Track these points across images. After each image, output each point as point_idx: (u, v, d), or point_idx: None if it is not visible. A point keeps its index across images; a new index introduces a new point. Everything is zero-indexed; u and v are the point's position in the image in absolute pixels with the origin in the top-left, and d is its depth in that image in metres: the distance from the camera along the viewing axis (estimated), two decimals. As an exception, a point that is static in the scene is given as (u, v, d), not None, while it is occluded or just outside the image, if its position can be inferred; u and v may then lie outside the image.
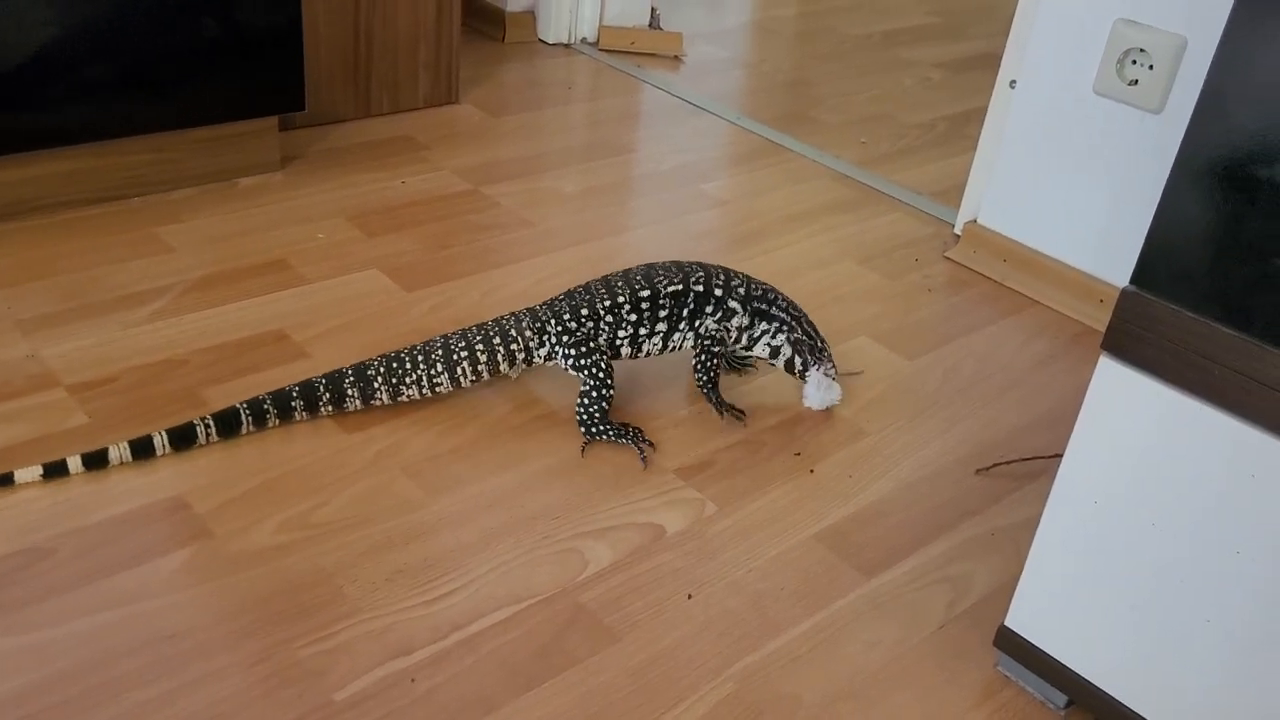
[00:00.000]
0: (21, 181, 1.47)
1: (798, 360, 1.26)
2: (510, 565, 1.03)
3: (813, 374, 1.26)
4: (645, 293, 1.20)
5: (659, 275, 1.22)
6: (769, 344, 1.26)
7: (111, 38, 1.44)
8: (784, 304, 1.26)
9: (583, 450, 1.18)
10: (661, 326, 1.22)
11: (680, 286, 1.21)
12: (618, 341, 1.21)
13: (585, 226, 1.66)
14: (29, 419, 1.13)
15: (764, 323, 1.25)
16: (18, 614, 0.92)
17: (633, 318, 1.20)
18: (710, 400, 1.25)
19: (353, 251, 1.51)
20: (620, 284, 1.21)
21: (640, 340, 1.22)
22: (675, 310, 1.22)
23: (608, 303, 1.20)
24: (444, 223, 1.61)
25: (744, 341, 1.27)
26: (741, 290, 1.24)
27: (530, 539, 1.06)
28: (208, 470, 1.09)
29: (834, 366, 1.26)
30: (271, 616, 0.95)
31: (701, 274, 1.23)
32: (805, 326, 1.26)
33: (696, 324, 1.23)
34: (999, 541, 1.14)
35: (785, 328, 1.25)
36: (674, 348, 1.25)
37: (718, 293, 1.23)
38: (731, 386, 1.33)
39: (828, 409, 1.28)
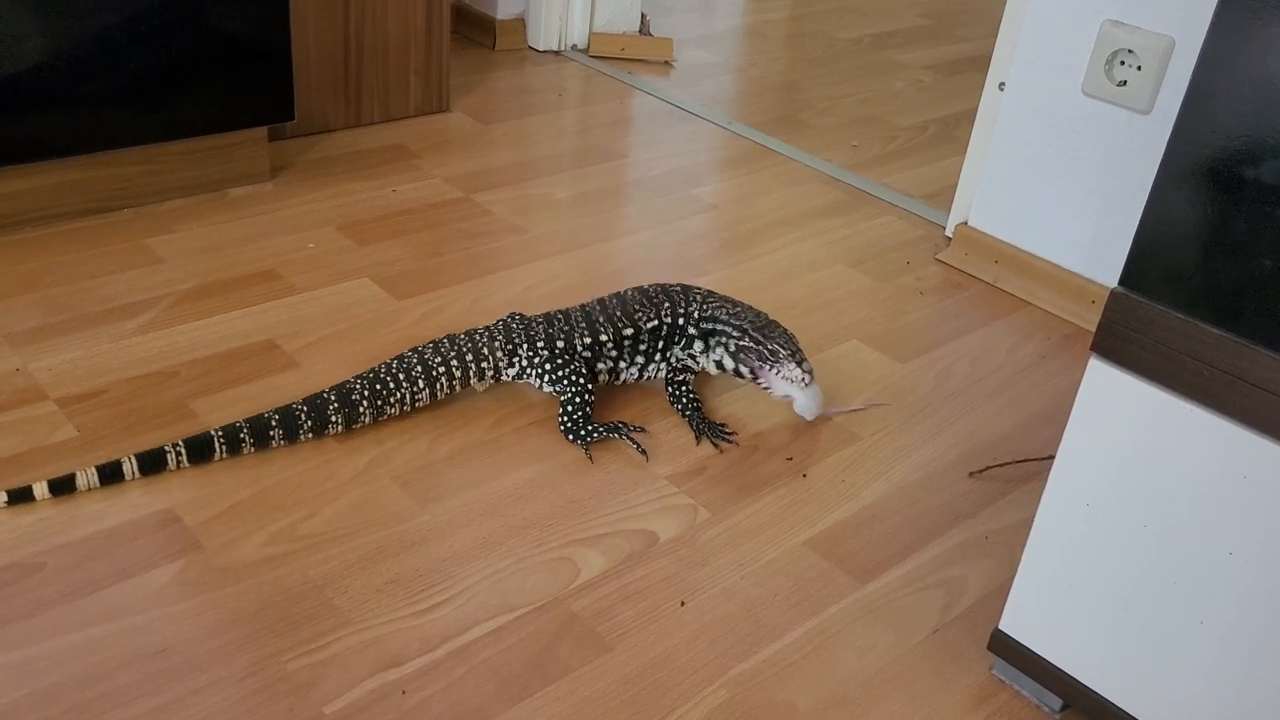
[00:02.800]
0: (11, 194, 1.46)
1: (743, 369, 1.23)
2: (502, 574, 1.03)
3: (768, 378, 1.22)
4: (628, 331, 1.23)
5: (636, 311, 1.25)
6: (715, 360, 1.26)
7: (100, 49, 1.43)
8: (728, 315, 1.25)
9: (589, 456, 1.18)
10: (640, 359, 1.26)
11: (656, 323, 1.25)
12: (596, 371, 1.24)
13: (577, 233, 1.66)
14: (17, 433, 1.12)
15: (713, 339, 1.26)
16: (5, 630, 0.91)
17: (614, 353, 1.24)
18: (693, 426, 1.24)
19: (343, 260, 1.51)
20: (601, 320, 1.23)
21: (619, 371, 1.26)
22: (652, 344, 1.25)
23: (588, 339, 1.22)
24: (435, 231, 1.61)
25: (704, 364, 1.27)
26: (695, 314, 1.26)
27: (522, 547, 1.06)
28: (197, 483, 1.09)
29: (799, 367, 1.21)
30: (261, 630, 0.94)
31: (668, 304, 1.26)
32: (754, 334, 1.23)
33: (668, 354, 1.27)
34: (992, 545, 1.14)
35: (726, 339, 1.24)
36: (650, 377, 1.28)
37: (680, 322, 1.26)
38: (721, 393, 1.32)
39: (821, 417, 1.27)
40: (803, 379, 1.22)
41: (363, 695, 0.89)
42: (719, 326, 1.25)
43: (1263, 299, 0.74)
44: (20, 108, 1.40)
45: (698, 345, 1.26)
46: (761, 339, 1.23)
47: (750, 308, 1.28)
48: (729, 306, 1.27)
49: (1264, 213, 0.73)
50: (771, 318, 1.27)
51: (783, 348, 1.22)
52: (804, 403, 1.24)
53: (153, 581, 0.97)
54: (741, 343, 1.23)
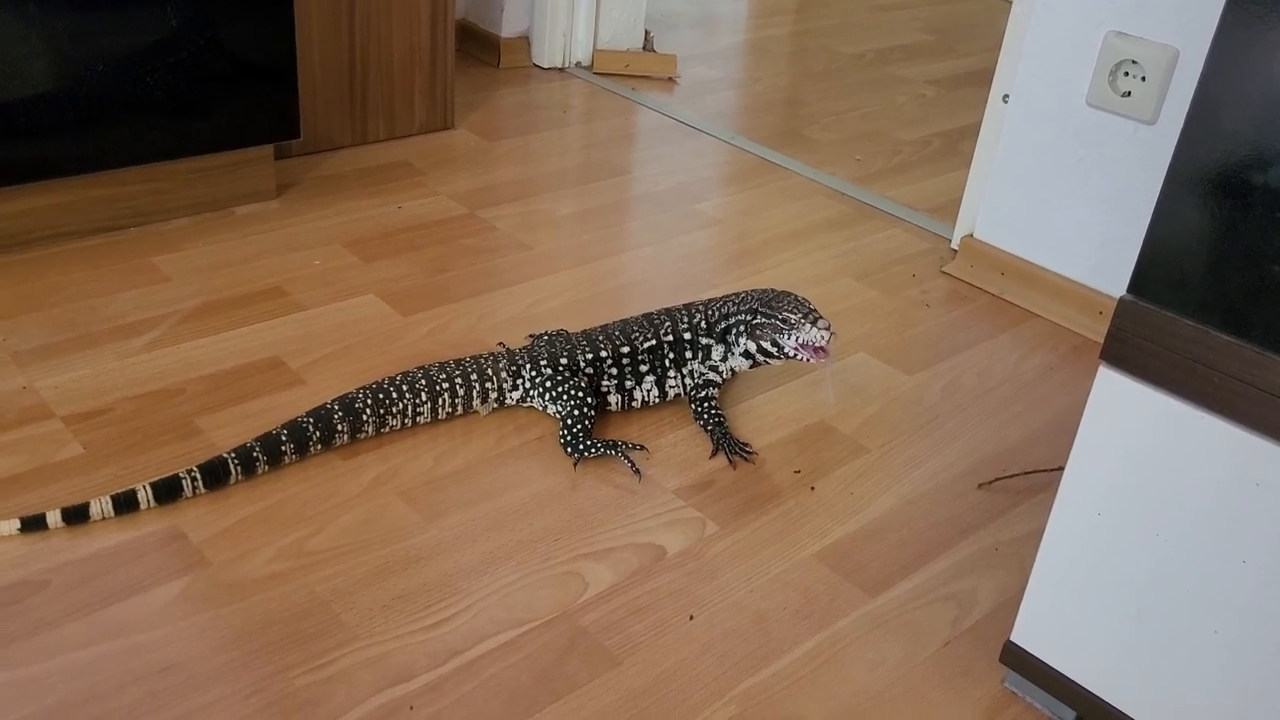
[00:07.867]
0: (18, 213, 1.47)
1: (770, 346, 1.21)
2: (510, 588, 1.02)
3: (790, 346, 1.19)
4: (625, 349, 1.24)
5: (634, 331, 1.26)
6: (742, 353, 1.24)
7: (106, 70, 1.44)
8: (735, 305, 1.25)
9: (575, 466, 1.18)
10: (650, 377, 1.26)
11: (654, 341, 1.25)
12: (603, 389, 1.24)
13: (581, 248, 1.66)
14: (23, 450, 1.12)
15: (732, 336, 1.25)
16: (9, 648, 0.91)
17: (614, 371, 1.24)
18: (713, 439, 1.24)
19: (349, 277, 1.51)
20: (601, 339, 1.25)
21: (630, 389, 1.25)
22: (657, 363, 1.25)
23: (590, 355, 1.23)
24: (440, 247, 1.61)
25: (734, 365, 1.26)
26: (703, 324, 1.26)
27: (530, 562, 1.05)
28: (203, 498, 1.08)
29: (814, 327, 1.17)
30: (267, 646, 0.93)
31: (668, 323, 1.26)
32: (763, 310, 1.21)
33: (684, 369, 1.27)
34: (1003, 556, 1.13)
35: (742, 325, 1.23)
36: (675, 394, 1.28)
37: (686, 336, 1.26)
38: (729, 404, 1.32)
39: (821, 355, 1.19)
40: (823, 336, 1.18)
41: (370, 711, 0.89)
42: (733, 320, 1.25)
43: (1272, 305, 0.73)
44: (27, 128, 1.41)
45: (716, 353, 1.26)
46: (771, 311, 1.21)
47: (758, 289, 1.27)
48: (734, 298, 1.27)
49: (1272, 218, 0.72)
50: (781, 289, 1.26)
51: (793, 313, 1.19)
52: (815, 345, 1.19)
53: (157, 598, 0.97)
54: (753, 321, 1.22)
